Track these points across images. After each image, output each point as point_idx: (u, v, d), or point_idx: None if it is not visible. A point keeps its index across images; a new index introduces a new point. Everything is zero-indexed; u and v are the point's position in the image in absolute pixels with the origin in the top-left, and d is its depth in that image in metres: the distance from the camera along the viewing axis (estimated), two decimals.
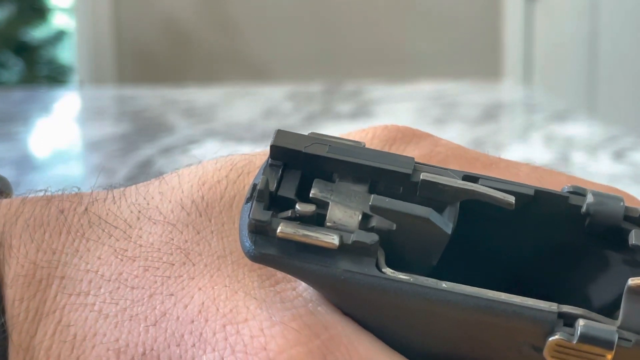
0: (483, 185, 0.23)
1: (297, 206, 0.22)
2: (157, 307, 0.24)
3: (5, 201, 0.26)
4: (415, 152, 0.27)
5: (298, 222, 0.22)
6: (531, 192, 0.24)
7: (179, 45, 2.63)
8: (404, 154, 0.26)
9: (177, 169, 0.27)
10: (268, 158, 0.23)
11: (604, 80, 1.37)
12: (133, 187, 0.27)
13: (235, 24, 2.60)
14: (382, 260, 0.22)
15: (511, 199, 0.23)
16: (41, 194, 0.26)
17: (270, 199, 0.22)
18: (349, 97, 1.28)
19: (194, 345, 0.23)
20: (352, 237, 0.21)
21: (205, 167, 0.27)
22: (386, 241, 0.22)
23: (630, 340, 0.21)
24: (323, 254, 0.22)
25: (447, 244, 0.23)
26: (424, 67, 2.47)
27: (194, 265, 0.24)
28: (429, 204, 0.22)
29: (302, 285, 0.24)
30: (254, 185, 0.22)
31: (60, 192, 0.26)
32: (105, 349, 0.23)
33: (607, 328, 0.21)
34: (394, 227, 0.22)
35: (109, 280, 0.24)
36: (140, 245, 0.25)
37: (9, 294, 0.24)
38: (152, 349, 0.23)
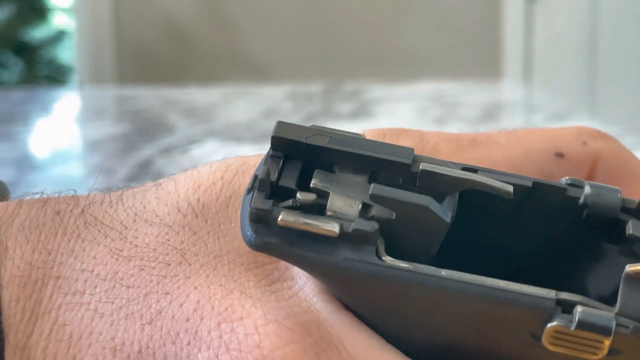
0: (482, 176, 0.23)
1: (298, 195, 0.22)
2: (153, 306, 0.24)
3: (1, 204, 0.26)
4: (407, 142, 0.27)
5: (299, 211, 0.22)
6: (529, 184, 0.24)
7: (179, 45, 2.63)
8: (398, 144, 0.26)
9: (173, 174, 0.27)
10: (269, 149, 0.23)
11: (604, 80, 1.37)
12: (130, 191, 0.27)
13: (235, 24, 2.60)
14: (382, 249, 0.22)
15: (509, 188, 0.23)
16: (37, 196, 0.27)
17: (271, 189, 0.22)
18: (349, 97, 1.28)
19: (189, 343, 0.23)
20: (352, 226, 0.22)
21: (200, 171, 0.27)
22: (386, 230, 0.22)
23: (628, 327, 0.21)
24: (323, 242, 0.22)
25: (446, 238, 0.23)
26: (424, 67, 2.47)
27: (190, 265, 0.24)
28: (428, 194, 0.22)
29: (297, 284, 0.24)
30: (255, 177, 0.22)
31: (56, 195, 0.27)
32: (101, 348, 0.23)
33: (605, 314, 0.21)
34: (394, 216, 0.22)
35: (105, 280, 0.24)
36: (136, 246, 0.25)
37: (5, 295, 0.24)
38: (148, 347, 0.23)
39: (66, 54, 2.89)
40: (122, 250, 0.25)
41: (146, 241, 0.25)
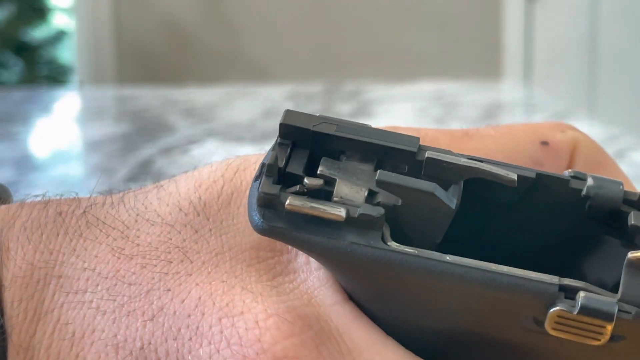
0: (486, 165, 0.23)
1: (306, 180, 0.22)
2: (155, 302, 0.24)
3: (3, 206, 0.26)
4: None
5: (306, 196, 0.22)
6: (532, 175, 0.24)
7: (179, 45, 2.63)
8: None
9: (174, 175, 0.27)
10: (277, 137, 0.23)
11: (604, 80, 1.37)
12: (131, 193, 0.27)
13: (235, 24, 2.60)
14: (387, 234, 0.22)
15: (514, 175, 0.23)
16: (39, 198, 0.27)
17: (279, 175, 0.23)
18: (349, 97, 1.28)
19: (190, 338, 0.23)
20: (359, 211, 0.22)
21: (201, 171, 0.27)
22: (391, 217, 0.22)
23: (630, 313, 0.21)
24: (330, 226, 0.22)
25: (449, 230, 0.23)
26: (424, 67, 2.47)
27: (191, 262, 0.25)
28: (433, 182, 0.23)
29: (299, 278, 0.24)
30: (263, 164, 0.22)
31: (58, 197, 0.27)
32: (104, 345, 0.23)
33: (607, 300, 0.21)
34: (400, 202, 0.22)
35: (106, 278, 0.24)
36: (138, 245, 0.25)
37: (8, 295, 0.24)
38: (150, 343, 0.23)
39: (66, 54, 2.90)
40: (123, 249, 0.25)
41: (148, 240, 0.25)
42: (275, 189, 0.22)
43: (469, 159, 0.23)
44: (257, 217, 0.22)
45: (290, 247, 0.25)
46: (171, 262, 0.25)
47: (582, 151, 0.29)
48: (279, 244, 0.25)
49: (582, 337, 0.21)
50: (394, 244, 0.22)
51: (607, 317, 0.21)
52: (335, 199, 0.22)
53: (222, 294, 0.24)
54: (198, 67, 2.60)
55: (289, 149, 0.23)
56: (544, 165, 0.28)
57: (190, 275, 0.24)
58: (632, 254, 0.22)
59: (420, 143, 0.24)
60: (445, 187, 0.23)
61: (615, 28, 1.33)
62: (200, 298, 0.24)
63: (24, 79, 2.71)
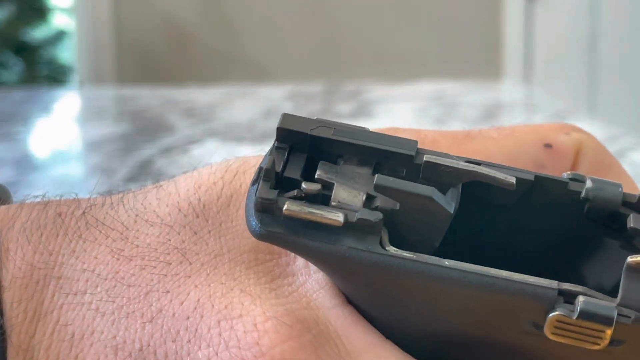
0: (485, 168, 0.23)
1: (303, 185, 0.22)
2: (154, 304, 0.24)
3: (2, 207, 0.26)
4: (406, 137, 0.27)
5: (304, 201, 0.22)
6: (531, 177, 0.24)
7: (179, 45, 2.63)
8: None
9: (174, 176, 0.27)
10: (274, 141, 0.23)
11: (604, 80, 1.37)
12: (131, 193, 0.27)
13: (235, 24, 2.60)
14: (385, 239, 0.22)
15: (512, 179, 0.23)
16: (39, 199, 0.27)
17: (276, 180, 0.22)
18: (349, 97, 1.29)
19: (189, 341, 0.23)
20: (356, 215, 0.22)
21: (201, 172, 0.27)
22: (389, 221, 0.22)
23: (630, 317, 0.21)
24: (328, 231, 0.22)
25: (448, 232, 0.23)
26: (424, 67, 2.47)
27: (190, 264, 0.25)
28: (432, 186, 0.23)
29: (298, 281, 0.24)
30: (261, 168, 0.22)
31: (57, 198, 0.27)
32: (103, 346, 0.23)
33: (606, 304, 0.21)
34: (398, 206, 0.22)
35: (106, 279, 0.24)
36: (137, 246, 0.25)
37: (7, 296, 0.24)
38: (149, 345, 0.23)
39: (66, 54, 2.90)
40: (123, 250, 0.25)
41: (147, 241, 0.25)
42: (272, 194, 0.22)
43: (467, 162, 0.23)
44: (254, 222, 0.22)
45: None
46: (170, 264, 0.25)
47: (587, 153, 0.28)
48: (277, 247, 0.25)
49: (582, 341, 0.21)
50: (392, 249, 0.22)
51: (606, 321, 0.21)
52: (333, 203, 0.22)
53: (220, 296, 0.24)
54: (198, 67, 2.60)
55: (286, 153, 0.23)
56: (546, 167, 0.28)
57: (189, 277, 0.24)
58: (632, 259, 0.21)
59: (420, 145, 0.24)
60: (444, 190, 0.23)
61: (615, 28, 1.33)
62: (199, 300, 0.24)
63: (24, 79, 2.71)
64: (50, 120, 1.23)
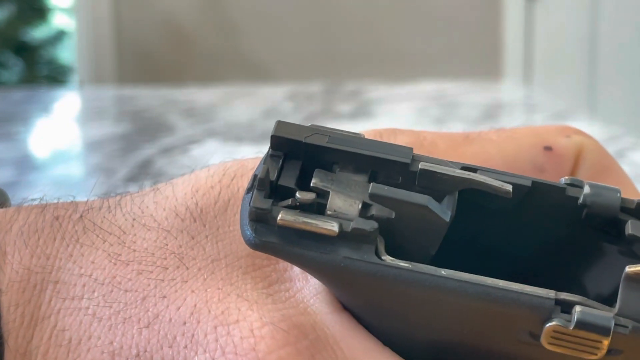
0: (481, 175, 0.23)
1: (297, 194, 0.22)
2: (150, 310, 0.24)
3: (0, 210, 0.26)
4: (404, 140, 0.27)
5: (298, 210, 0.22)
6: (528, 183, 0.24)
7: (179, 45, 2.62)
8: (396, 142, 0.26)
9: (171, 178, 0.27)
10: (269, 149, 0.23)
11: (604, 80, 1.37)
12: (128, 196, 0.27)
13: (235, 24, 2.60)
14: (381, 248, 0.22)
15: (509, 187, 0.23)
16: (36, 202, 0.27)
17: (270, 188, 0.22)
18: (349, 97, 1.28)
19: (186, 346, 0.23)
20: (351, 225, 0.22)
21: (198, 175, 0.27)
22: (385, 230, 0.22)
23: (627, 327, 0.21)
24: (323, 241, 0.22)
25: (445, 237, 0.23)
26: (424, 67, 2.47)
27: (187, 268, 0.24)
28: (427, 194, 0.22)
29: (295, 287, 0.24)
30: (255, 176, 0.22)
31: (55, 201, 0.27)
32: (99, 352, 0.23)
33: (603, 314, 0.21)
34: (393, 215, 0.22)
35: (103, 284, 0.24)
36: (134, 250, 0.25)
37: (4, 300, 0.24)
38: (146, 351, 0.23)
39: (66, 54, 2.89)
40: (120, 255, 0.25)
41: (144, 246, 0.25)
42: (267, 204, 0.22)
43: (463, 168, 0.23)
44: (249, 232, 0.22)
45: None
46: (167, 269, 0.24)
47: (587, 156, 0.28)
48: None
49: (579, 351, 0.21)
50: (388, 258, 0.22)
51: (603, 331, 0.21)
52: (328, 212, 0.22)
53: (217, 301, 0.24)
54: (198, 67, 2.60)
55: (280, 161, 0.23)
56: (546, 170, 0.27)
57: (186, 282, 0.24)
58: (630, 269, 0.21)
59: (419, 147, 0.24)
60: (440, 197, 0.23)
61: (615, 28, 1.33)
62: (195, 305, 0.24)
63: (24, 79, 2.71)
64: (50, 120, 1.23)
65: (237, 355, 0.23)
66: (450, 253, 0.24)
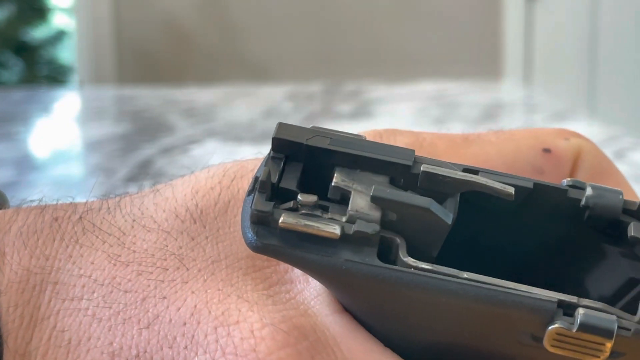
0: (483, 177, 0.23)
1: (299, 197, 0.22)
2: (150, 310, 0.24)
3: None
4: (404, 141, 0.27)
5: (300, 213, 0.22)
6: (530, 185, 0.24)
7: (179, 45, 2.62)
8: (396, 143, 0.26)
9: (171, 180, 0.27)
10: (270, 151, 0.23)
11: (604, 80, 1.37)
12: (128, 197, 0.27)
13: (235, 24, 2.60)
14: (403, 250, 0.22)
15: (511, 189, 0.23)
16: (35, 203, 0.27)
17: (272, 191, 0.22)
18: (349, 97, 1.28)
19: (186, 347, 0.23)
20: (353, 227, 0.22)
21: (198, 177, 0.27)
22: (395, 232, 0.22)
23: (630, 329, 0.21)
24: (325, 244, 0.22)
25: (447, 238, 0.23)
26: (424, 67, 2.47)
27: (187, 269, 0.24)
28: (429, 196, 0.22)
29: (296, 288, 0.24)
30: (256, 178, 0.22)
31: (54, 202, 0.27)
32: (99, 353, 0.23)
33: (606, 317, 0.21)
34: (395, 217, 0.22)
35: (102, 285, 0.24)
36: (134, 251, 0.25)
37: (3, 300, 0.24)
38: (146, 351, 0.23)
39: (66, 54, 2.90)
40: (120, 256, 0.25)
41: (144, 247, 0.25)
42: (268, 206, 0.22)
43: (465, 170, 0.23)
44: (250, 235, 0.22)
45: None
46: (167, 270, 0.24)
47: (585, 159, 0.28)
48: None
49: (582, 354, 0.21)
50: (410, 260, 0.21)
51: (606, 334, 0.21)
52: (350, 212, 0.22)
53: (217, 302, 0.24)
54: (198, 67, 2.60)
55: (282, 163, 0.23)
56: (545, 172, 0.28)
57: (186, 283, 0.24)
58: None
59: (419, 149, 0.24)
60: (442, 199, 0.23)
61: (615, 28, 1.33)
62: (196, 306, 0.24)
63: (24, 79, 2.71)
64: (50, 120, 1.23)
65: (237, 356, 0.23)
66: (450, 253, 0.24)
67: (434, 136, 0.28)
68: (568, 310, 0.21)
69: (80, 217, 0.26)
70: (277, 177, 0.23)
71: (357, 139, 0.23)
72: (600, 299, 0.23)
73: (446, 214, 0.22)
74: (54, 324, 0.24)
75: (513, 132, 0.29)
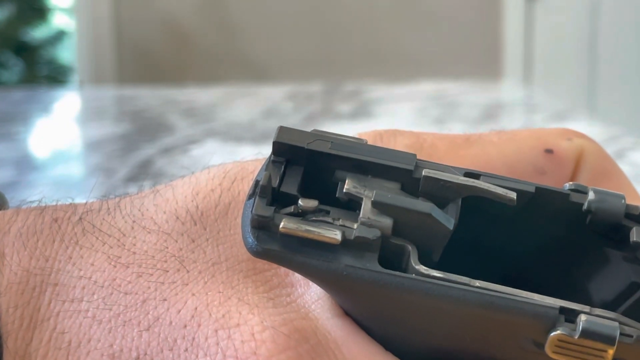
0: (485, 182, 0.23)
1: (300, 202, 0.22)
2: (151, 312, 0.24)
3: None
4: (405, 141, 0.27)
5: (301, 218, 0.22)
6: (532, 189, 0.24)
7: (179, 45, 2.63)
8: (396, 145, 0.26)
9: (171, 180, 0.27)
10: (270, 154, 0.23)
11: (604, 80, 1.37)
12: (128, 198, 0.27)
13: (235, 24, 2.60)
14: (415, 258, 0.22)
15: (513, 194, 0.23)
16: (35, 204, 0.26)
17: (272, 195, 0.22)
18: (349, 97, 1.28)
19: (186, 349, 0.23)
20: (354, 233, 0.21)
21: (198, 178, 0.27)
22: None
23: (632, 336, 0.21)
24: (325, 249, 0.21)
25: (448, 241, 0.23)
26: (424, 67, 2.47)
27: (188, 272, 0.24)
28: (431, 200, 0.22)
29: (297, 291, 0.24)
30: (257, 182, 0.22)
31: (53, 203, 0.26)
32: (99, 355, 0.23)
33: (609, 324, 0.21)
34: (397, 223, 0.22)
35: (102, 287, 0.24)
36: (134, 253, 0.25)
37: (3, 301, 0.24)
38: (146, 354, 0.23)
39: (66, 54, 2.90)
40: (120, 257, 0.25)
41: (144, 248, 0.25)
42: (269, 211, 0.22)
43: (467, 174, 0.23)
44: (250, 239, 0.22)
45: None
46: (167, 272, 0.24)
47: (588, 159, 0.28)
48: None
49: None
50: (422, 268, 0.21)
51: (608, 340, 0.21)
52: (362, 219, 0.22)
53: (218, 305, 0.24)
54: (198, 67, 2.60)
55: (282, 167, 0.23)
56: (546, 173, 0.27)
57: (187, 285, 0.24)
58: None
59: (419, 150, 0.24)
60: (443, 204, 0.23)
61: (615, 28, 1.33)
62: (196, 309, 0.24)
63: (24, 79, 2.71)
64: (50, 120, 1.23)
65: (238, 359, 0.23)
66: (453, 258, 0.24)
67: (435, 137, 0.28)
68: (570, 316, 0.21)
69: (80, 218, 0.26)
70: (277, 181, 0.22)
71: (358, 143, 0.23)
72: (602, 302, 0.23)
73: (447, 220, 0.22)
74: (54, 325, 0.24)
75: (515, 132, 0.28)
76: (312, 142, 0.23)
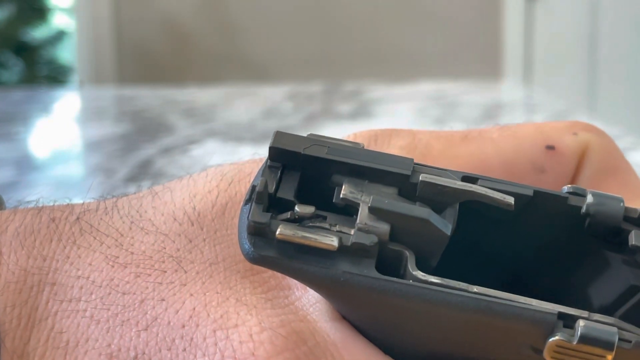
0: (482, 186, 0.23)
1: (297, 208, 0.22)
2: (149, 312, 0.24)
3: None
4: (400, 142, 0.27)
5: (297, 224, 0.22)
6: (530, 193, 0.23)
7: (179, 45, 2.63)
8: (390, 146, 0.26)
9: (169, 182, 0.27)
10: (267, 159, 0.23)
11: (604, 80, 1.37)
12: (125, 198, 0.27)
13: (235, 24, 2.60)
14: (412, 263, 0.22)
15: (510, 199, 0.23)
16: (32, 204, 0.26)
17: (269, 201, 0.22)
18: (348, 97, 1.28)
19: (184, 349, 0.23)
20: (351, 239, 0.21)
21: (196, 180, 0.27)
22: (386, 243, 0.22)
23: (630, 342, 0.21)
24: (322, 255, 0.21)
25: (446, 245, 0.23)
26: (424, 67, 2.47)
27: (185, 272, 0.24)
28: (429, 205, 0.22)
29: (295, 294, 0.24)
30: (253, 187, 0.22)
31: (51, 203, 0.26)
32: (97, 354, 0.23)
33: (607, 329, 0.21)
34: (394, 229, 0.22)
35: (100, 286, 0.24)
36: (132, 253, 0.25)
37: (0, 300, 0.24)
38: (144, 353, 0.23)
39: (66, 54, 2.90)
40: (118, 257, 0.25)
41: (142, 249, 0.25)
42: (265, 217, 0.21)
43: (464, 178, 0.23)
44: (247, 246, 0.22)
45: None
46: (165, 272, 0.24)
47: (592, 155, 0.27)
48: None
49: None
50: (419, 274, 0.21)
51: (607, 346, 0.21)
52: (359, 225, 0.22)
53: (216, 305, 0.24)
54: (198, 67, 2.60)
55: (279, 172, 0.23)
56: (546, 172, 0.27)
57: (185, 285, 0.24)
58: None
59: (414, 150, 0.23)
60: (441, 209, 0.23)
61: (615, 28, 1.33)
62: (194, 309, 0.23)
63: (24, 79, 2.71)
64: (50, 120, 1.23)
65: None
66: (451, 262, 0.23)
67: (431, 136, 0.27)
68: (568, 322, 0.21)
69: (78, 218, 0.26)
70: (274, 186, 0.22)
71: (355, 148, 0.23)
72: (601, 305, 0.23)
73: (445, 225, 0.22)
74: (52, 325, 0.24)
75: (518, 127, 0.28)
76: (309, 147, 0.23)
